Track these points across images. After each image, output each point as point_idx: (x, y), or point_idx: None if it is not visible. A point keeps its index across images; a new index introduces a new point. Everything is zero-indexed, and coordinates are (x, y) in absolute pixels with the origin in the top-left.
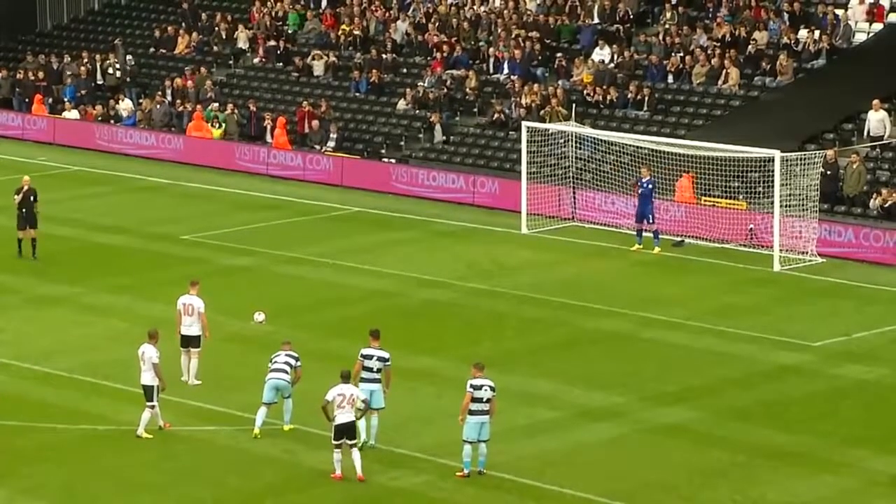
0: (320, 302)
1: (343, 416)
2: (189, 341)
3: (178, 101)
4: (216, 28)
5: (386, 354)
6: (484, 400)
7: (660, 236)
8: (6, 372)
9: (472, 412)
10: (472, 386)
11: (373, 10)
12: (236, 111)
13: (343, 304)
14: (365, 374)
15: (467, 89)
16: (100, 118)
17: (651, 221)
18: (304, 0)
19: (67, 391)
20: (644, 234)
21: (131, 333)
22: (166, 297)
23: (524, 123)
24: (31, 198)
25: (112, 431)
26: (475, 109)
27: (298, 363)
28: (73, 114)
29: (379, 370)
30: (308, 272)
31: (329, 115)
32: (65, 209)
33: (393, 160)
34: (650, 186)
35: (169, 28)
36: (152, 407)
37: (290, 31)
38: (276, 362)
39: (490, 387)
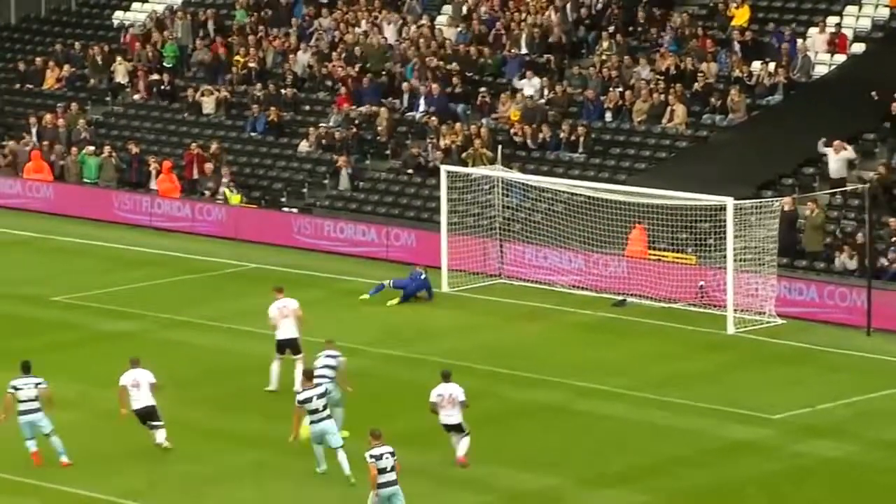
0: (213, 372)
1: (447, 417)
2: (287, 345)
3: (47, 142)
4: (91, 60)
5: (322, 390)
6: (389, 469)
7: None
8: None
9: (380, 485)
10: (371, 457)
11: (270, 40)
12: (115, 154)
13: (239, 373)
14: (313, 417)
15: (378, 128)
16: None
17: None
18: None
19: None
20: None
21: None
22: (35, 369)
23: (443, 167)
24: None
25: None
26: (388, 152)
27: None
28: None
29: (325, 406)
30: (198, 338)
31: (221, 158)
32: None
33: (295, 210)
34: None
35: (37, 60)
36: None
37: (168, 66)
38: None
39: (390, 453)
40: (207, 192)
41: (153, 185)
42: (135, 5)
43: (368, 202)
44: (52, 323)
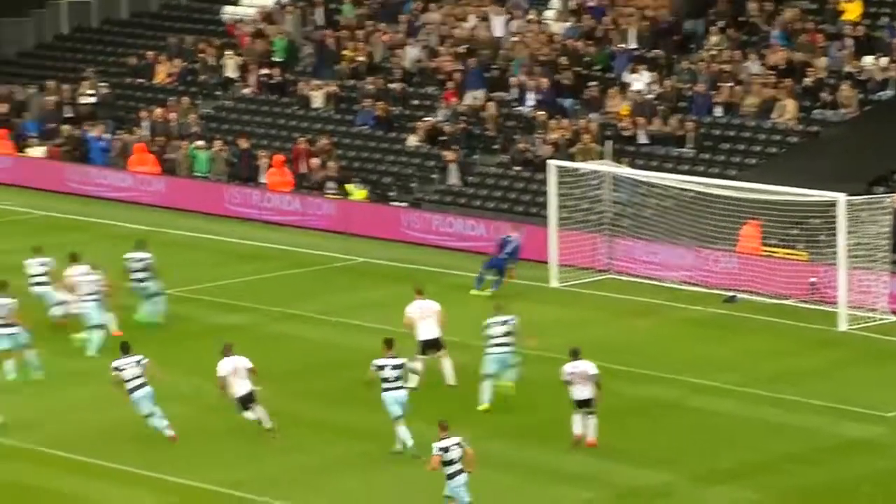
0: (322, 365)
1: (579, 393)
2: (431, 345)
3: (160, 136)
4: (201, 54)
5: (400, 361)
6: (457, 459)
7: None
8: None
9: (450, 476)
10: (440, 449)
11: (379, 35)
12: (225, 148)
13: (348, 367)
14: (384, 385)
15: (486, 123)
16: (67, 150)
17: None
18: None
19: (37, 467)
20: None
21: (107, 400)
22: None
23: (552, 162)
24: None
25: None
26: (496, 146)
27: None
28: (38, 151)
29: (398, 378)
30: (308, 331)
31: (331, 153)
32: None
33: (404, 204)
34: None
35: (148, 54)
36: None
37: (278, 60)
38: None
39: (457, 444)
40: (310, 184)
41: (263, 178)
42: (245, 0)
43: (477, 197)
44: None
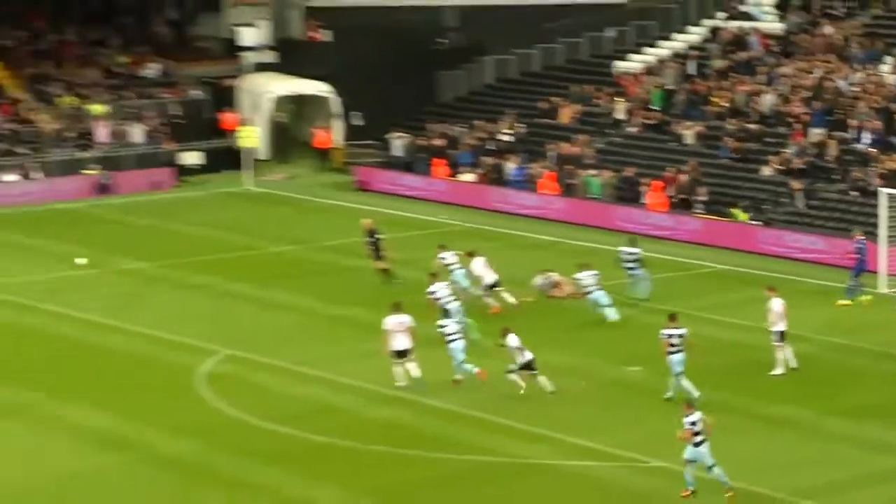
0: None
1: None
2: (783, 335)
3: (564, 166)
4: (597, 100)
5: (682, 331)
6: (676, 344)
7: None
8: (408, 407)
9: (696, 444)
10: (690, 423)
11: (740, 84)
12: (613, 175)
13: (706, 354)
14: (670, 349)
15: (828, 156)
16: (491, 176)
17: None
18: (677, 74)
19: (458, 426)
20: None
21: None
22: (558, 344)
23: (883, 190)
24: (372, 235)
25: (500, 463)
26: (836, 176)
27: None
28: (468, 176)
29: (679, 344)
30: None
31: (693, 181)
32: None
33: (758, 223)
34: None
35: (554, 100)
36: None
37: (657, 106)
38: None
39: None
40: (683, 204)
41: (644, 200)
42: (633, 56)
43: (818, 218)
44: (557, 308)
